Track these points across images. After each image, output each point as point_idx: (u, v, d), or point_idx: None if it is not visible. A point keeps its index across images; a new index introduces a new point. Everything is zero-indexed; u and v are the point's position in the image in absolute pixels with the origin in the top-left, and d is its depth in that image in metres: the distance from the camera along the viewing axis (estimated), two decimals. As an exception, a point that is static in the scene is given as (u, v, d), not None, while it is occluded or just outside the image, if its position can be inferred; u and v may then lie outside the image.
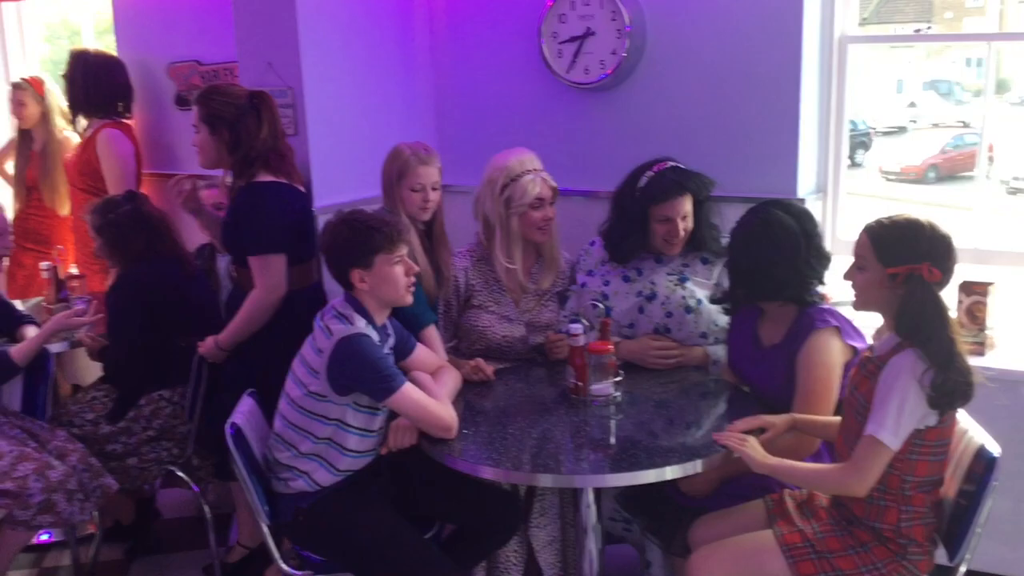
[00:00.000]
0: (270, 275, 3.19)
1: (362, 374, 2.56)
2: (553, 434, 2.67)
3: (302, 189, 3.35)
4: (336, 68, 3.65)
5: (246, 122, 3.16)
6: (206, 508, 3.50)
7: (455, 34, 4.01)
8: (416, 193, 3.13)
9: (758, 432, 2.47)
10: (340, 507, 2.67)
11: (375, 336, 2.64)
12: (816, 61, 3.46)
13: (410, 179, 3.12)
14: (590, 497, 2.64)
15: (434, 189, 3.17)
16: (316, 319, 2.69)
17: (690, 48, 3.53)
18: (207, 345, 3.27)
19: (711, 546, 2.46)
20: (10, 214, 4.45)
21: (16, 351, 3.27)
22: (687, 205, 3.05)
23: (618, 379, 2.81)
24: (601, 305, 3.00)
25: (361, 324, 2.62)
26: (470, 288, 3.27)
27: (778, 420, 2.50)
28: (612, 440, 2.63)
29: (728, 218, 3.16)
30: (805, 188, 3.49)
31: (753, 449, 2.37)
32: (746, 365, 2.87)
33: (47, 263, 4.12)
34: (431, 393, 2.63)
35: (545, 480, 2.47)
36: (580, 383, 2.78)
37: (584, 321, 2.87)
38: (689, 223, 3.07)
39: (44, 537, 3.77)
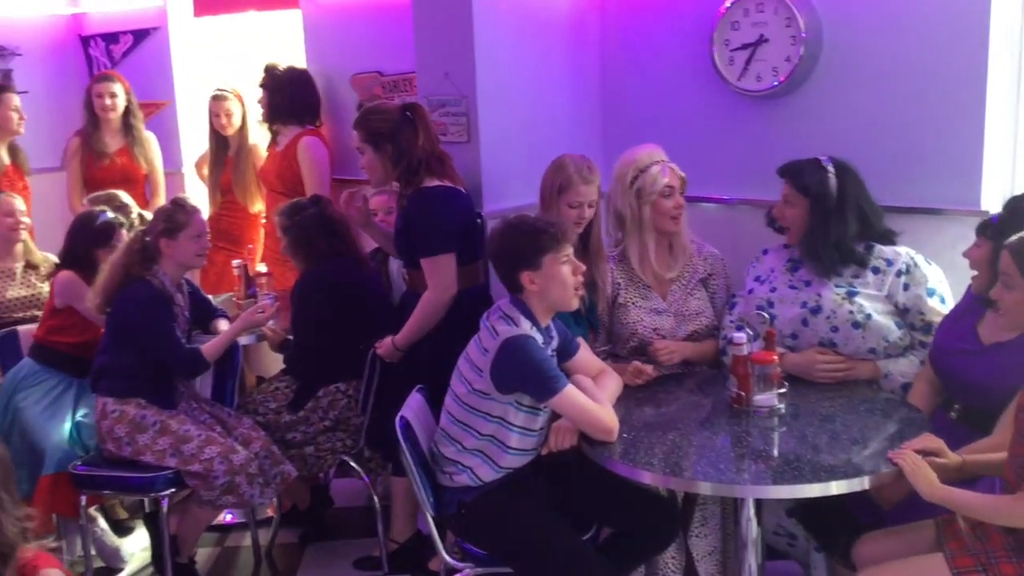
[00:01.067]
0: (442, 275, 3.31)
1: (525, 374, 2.63)
2: (714, 442, 2.65)
3: (464, 191, 3.47)
4: (508, 77, 3.75)
5: (405, 133, 3.32)
6: (375, 498, 3.66)
7: (625, 43, 4.04)
8: (573, 209, 3.21)
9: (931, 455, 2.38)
10: (501, 503, 2.75)
11: (539, 338, 2.71)
12: (1005, 63, 3.28)
13: (570, 195, 3.20)
14: (751, 509, 2.62)
15: (590, 206, 3.24)
16: (482, 319, 2.78)
17: (867, 53, 3.42)
18: (385, 345, 3.42)
19: (879, 568, 2.39)
20: (204, 215, 4.79)
21: (207, 348, 3.52)
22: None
23: (782, 391, 2.77)
24: (766, 315, 2.96)
25: (526, 326, 2.69)
26: (616, 287, 3.30)
27: (951, 457, 2.40)
28: (775, 452, 2.60)
29: (908, 229, 3.07)
30: (990, 199, 3.32)
31: (925, 475, 2.29)
32: (955, 359, 2.75)
33: (238, 261, 4.41)
34: (592, 396, 2.67)
35: (704, 488, 2.46)
36: (743, 393, 2.76)
37: (748, 329, 2.84)
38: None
39: (227, 517, 4.02)
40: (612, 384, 2.86)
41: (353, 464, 3.67)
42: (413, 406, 2.94)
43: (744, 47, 3.62)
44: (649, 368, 3.05)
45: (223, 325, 3.82)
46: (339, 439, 3.66)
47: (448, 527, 2.89)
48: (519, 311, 2.72)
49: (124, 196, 4.30)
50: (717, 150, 3.75)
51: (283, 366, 3.94)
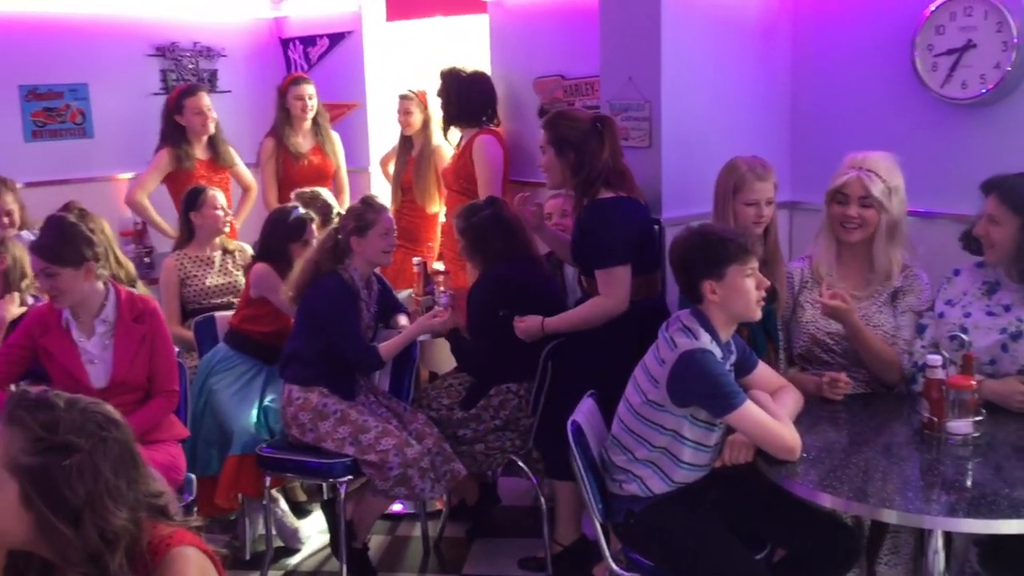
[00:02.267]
0: (615, 287, 3.30)
1: (702, 389, 2.58)
2: (902, 468, 2.52)
3: (642, 202, 3.43)
4: (694, 82, 3.69)
5: (591, 144, 3.32)
6: (542, 499, 3.68)
7: (818, 47, 3.89)
8: (750, 207, 3.13)
9: None
10: (671, 515, 2.70)
11: (718, 352, 2.65)
12: None
13: (746, 193, 3.14)
14: (939, 541, 2.46)
15: (768, 204, 3.16)
16: (661, 330, 2.74)
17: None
18: (530, 320, 3.44)
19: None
20: (389, 214, 4.95)
21: (383, 348, 3.62)
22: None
23: (979, 419, 2.60)
24: (965, 337, 2.78)
25: (705, 339, 2.63)
26: (801, 285, 3.17)
27: None
28: (968, 482, 2.44)
29: None
30: None
31: None
32: None
33: (418, 258, 4.53)
34: (772, 413, 2.59)
35: (890, 516, 2.34)
36: (935, 418, 2.60)
37: (943, 353, 2.68)
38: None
39: (398, 507, 4.14)
40: (792, 401, 2.76)
41: (521, 464, 3.70)
42: (585, 411, 2.93)
43: (949, 52, 3.42)
44: (844, 376, 2.93)
45: (403, 320, 3.93)
46: (508, 439, 3.70)
47: (615, 534, 2.87)
48: (699, 323, 2.67)
49: (326, 194, 4.50)
50: (915, 160, 3.54)
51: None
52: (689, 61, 3.66)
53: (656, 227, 3.57)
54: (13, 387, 3.20)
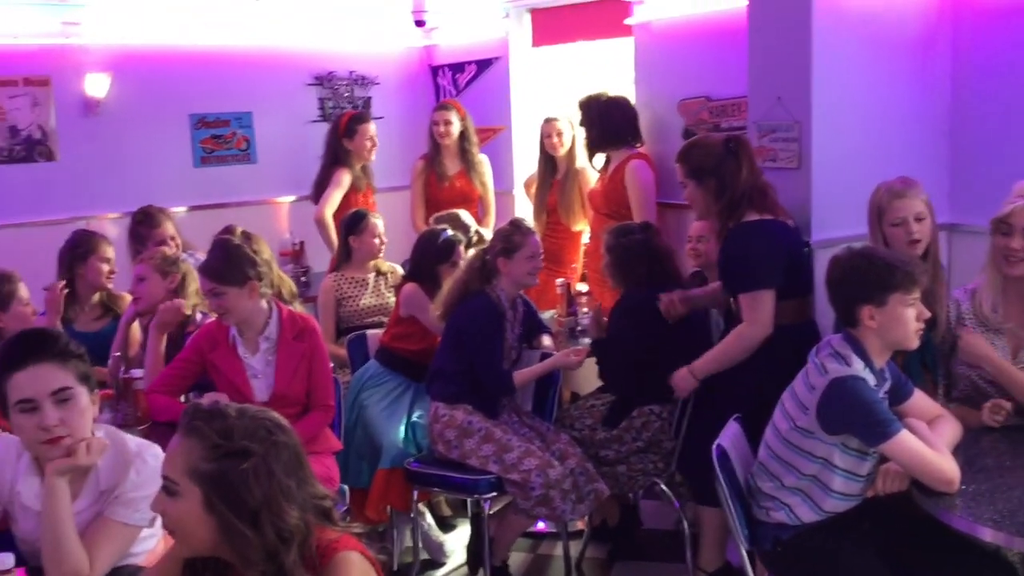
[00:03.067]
0: (758, 311, 3.26)
1: (854, 417, 2.51)
2: (1071, 505, 2.38)
3: (790, 223, 3.37)
4: (846, 100, 3.61)
5: (728, 167, 3.29)
6: (685, 524, 3.65)
7: (980, 61, 3.74)
8: (897, 228, 3.06)
9: None
10: (821, 545, 2.63)
11: (871, 379, 2.57)
12: None
13: (889, 214, 3.07)
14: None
15: (917, 220, 3.06)
16: (811, 354, 2.69)
17: None
18: (680, 375, 3.43)
19: None
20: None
21: (518, 375, 3.69)
22: None
23: None
24: None
25: (858, 366, 2.57)
26: (959, 321, 3.04)
27: None
28: None
29: None
30: None
31: None
32: None
33: (562, 280, 4.59)
34: (930, 443, 2.49)
35: (1058, 555, 2.22)
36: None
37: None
38: None
39: (540, 526, 4.17)
40: (950, 430, 2.65)
41: (663, 487, 3.68)
42: (730, 435, 2.90)
43: None
44: (1008, 403, 2.80)
45: (547, 341, 3.99)
46: (651, 461, 3.69)
47: (762, 561, 2.82)
48: (851, 348, 2.60)
49: (465, 216, 4.62)
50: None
51: (599, 383, 4.05)
52: (841, 79, 3.58)
53: (806, 249, 3.51)
54: (182, 398, 3.44)
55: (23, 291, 3.42)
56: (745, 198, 3.29)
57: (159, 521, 2.38)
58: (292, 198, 6.09)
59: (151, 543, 2.39)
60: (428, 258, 4.10)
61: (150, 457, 2.31)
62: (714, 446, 2.79)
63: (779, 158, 3.64)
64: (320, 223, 5.27)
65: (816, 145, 3.56)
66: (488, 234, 4.69)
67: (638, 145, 4.83)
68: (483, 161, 5.60)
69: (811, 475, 2.64)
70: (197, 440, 1.68)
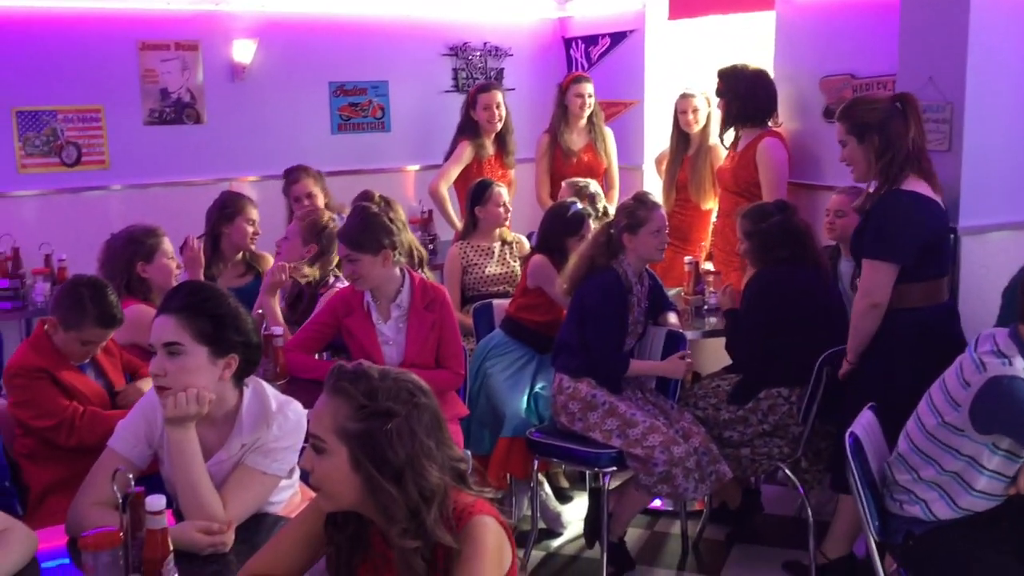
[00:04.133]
0: (872, 280, 3.18)
1: (1011, 419, 2.41)
2: None
3: (941, 203, 3.24)
4: (1003, 83, 3.46)
5: (894, 125, 3.17)
6: (809, 511, 3.58)
7: None
8: None
9: None
10: (956, 543, 2.55)
11: (1034, 381, 2.45)
12: None
13: None
14: None
15: None
16: (969, 348, 2.57)
17: None
18: (844, 367, 3.36)
19: None
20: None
21: (634, 364, 3.67)
22: None
23: None
24: None
25: (1020, 366, 2.45)
26: None
27: None
28: None
29: None
30: None
31: None
32: None
33: (689, 257, 4.53)
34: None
35: None
36: None
37: None
38: None
39: (658, 503, 4.16)
40: None
41: (788, 473, 3.62)
42: (864, 423, 2.82)
43: None
44: None
45: (672, 318, 3.95)
46: (776, 445, 3.62)
47: (891, 555, 2.75)
48: (1018, 349, 2.47)
49: (595, 187, 4.60)
50: None
51: (721, 365, 4.00)
52: (997, 59, 3.43)
53: (952, 236, 3.37)
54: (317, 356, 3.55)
55: (167, 245, 3.57)
56: (909, 160, 3.16)
57: (296, 473, 2.48)
58: (422, 166, 6.18)
59: (288, 494, 2.49)
60: (556, 231, 4.11)
61: (290, 412, 2.39)
62: (847, 434, 2.72)
63: (930, 140, 3.48)
64: (433, 195, 5.35)
65: (968, 127, 3.42)
66: (612, 209, 4.67)
67: (772, 123, 4.71)
68: (610, 135, 5.56)
69: (953, 472, 2.54)
70: (344, 400, 1.74)
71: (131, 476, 2.07)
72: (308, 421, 1.96)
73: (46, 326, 2.92)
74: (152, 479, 2.34)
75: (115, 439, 2.35)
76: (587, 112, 5.39)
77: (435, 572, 1.73)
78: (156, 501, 1.93)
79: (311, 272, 3.95)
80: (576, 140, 5.45)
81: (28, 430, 2.88)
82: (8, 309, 4.41)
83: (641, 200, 3.74)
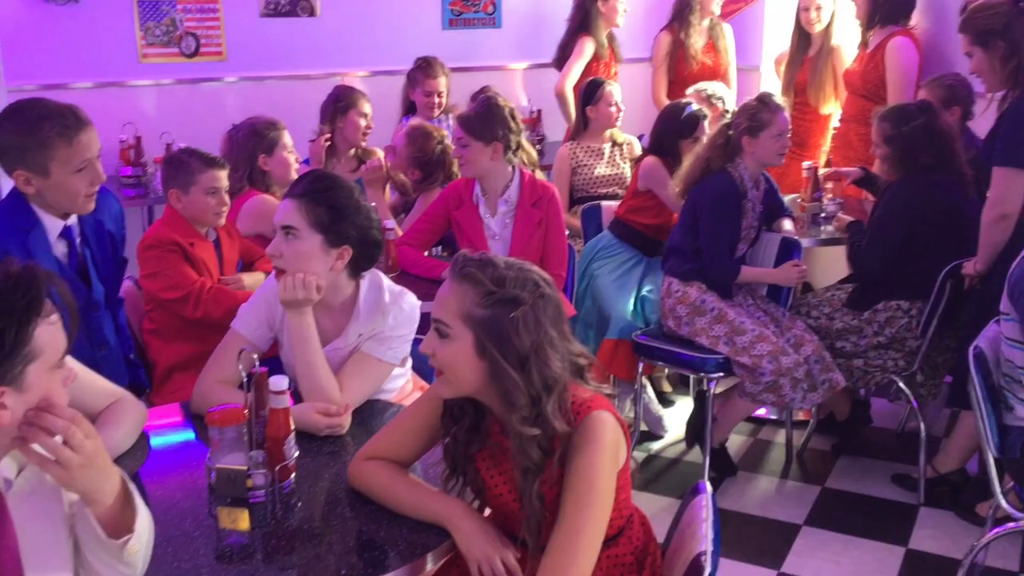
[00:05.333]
0: (1001, 189, 3.07)
1: None
2: None
3: None
4: None
5: (1018, 26, 3.06)
6: (921, 425, 3.51)
7: None
8: None
9: None
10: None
11: None
12: None
13: None
14: None
15: None
16: None
17: None
18: (967, 268, 3.26)
19: None
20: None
21: (745, 271, 3.59)
22: None
23: None
24: None
25: None
26: None
27: None
28: None
29: None
30: None
31: None
32: None
33: (808, 163, 4.37)
34: None
35: None
36: None
37: None
38: None
39: (761, 412, 4.13)
40: None
41: (903, 386, 3.53)
42: (989, 337, 2.72)
43: None
44: None
45: (787, 225, 3.86)
46: (891, 358, 3.53)
47: (1007, 470, 2.68)
48: None
49: (720, 88, 4.46)
50: None
51: (835, 279, 3.89)
52: None
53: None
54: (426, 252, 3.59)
55: (287, 138, 3.62)
56: None
57: (409, 363, 2.54)
58: (530, 64, 6.08)
59: (400, 382, 2.55)
60: (670, 132, 4.01)
61: (404, 303, 2.43)
62: (971, 347, 2.63)
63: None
64: (560, 96, 5.21)
65: None
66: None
67: (905, 22, 4.46)
68: (729, 33, 5.37)
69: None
70: (471, 286, 1.74)
71: (255, 356, 2.14)
72: (427, 310, 1.99)
73: (170, 202, 3.02)
74: (272, 362, 2.43)
75: (238, 321, 2.43)
76: (714, 7, 5.19)
77: (550, 462, 1.75)
78: (279, 381, 2.00)
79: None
80: (697, 40, 5.26)
81: (157, 303, 3.00)
82: (131, 196, 4.55)
83: (764, 101, 3.60)
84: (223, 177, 3.04)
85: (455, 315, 1.75)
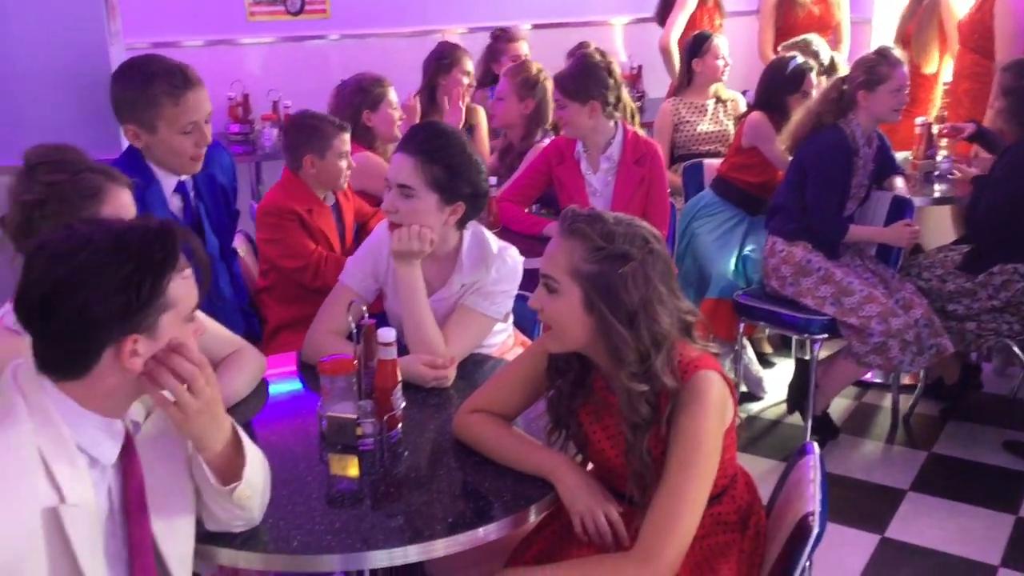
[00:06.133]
0: None
1: None
2: None
3: None
4: None
5: None
6: (1034, 389, 3.39)
7: None
8: None
9: None
10: None
11: None
12: None
13: None
14: None
15: None
16: None
17: None
18: None
19: None
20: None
21: (854, 229, 3.49)
22: None
23: None
24: None
25: None
26: None
27: None
28: None
29: None
30: None
31: None
32: None
33: (921, 118, 4.22)
34: None
35: None
36: None
37: None
38: None
39: (868, 375, 4.03)
40: None
41: (1018, 351, 3.41)
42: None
43: None
44: None
45: (899, 183, 3.75)
46: (1006, 322, 3.41)
47: None
48: None
49: (818, 42, 4.33)
50: None
51: (944, 241, 3.75)
52: None
53: None
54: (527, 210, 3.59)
55: (392, 95, 3.64)
56: None
57: (511, 318, 2.56)
58: (630, 19, 5.98)
59: (502, 337, 2.57)
60: (776, 87, 3.91)
61: (508, 257, 2.44)
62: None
63: None
64: (664, 50, 5.10)
65: None
66: (842, 63, 4.38)
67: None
68: (842, -16, 5.18)
69: None
70: (580, 241, 1.74)
71: (364, 308, 2.18)
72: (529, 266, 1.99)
73: (303, 168, 3.01)
74: (378, 316, 2.47)
75: (346, 274, 2.48)
76: None
77: (658, 418, 1.75)
78: (387, 333, 2.03)
79: None
80: None
81: (273, 267, 3.07)
82: (239, 153, 4.66)
83: (883, 55, 3.47)
84: (349, 140, 3.08)
85: (563, 270, 1.75)
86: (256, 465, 1.62)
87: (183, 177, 2.67)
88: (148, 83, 2.51)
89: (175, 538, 1.56)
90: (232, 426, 1.58)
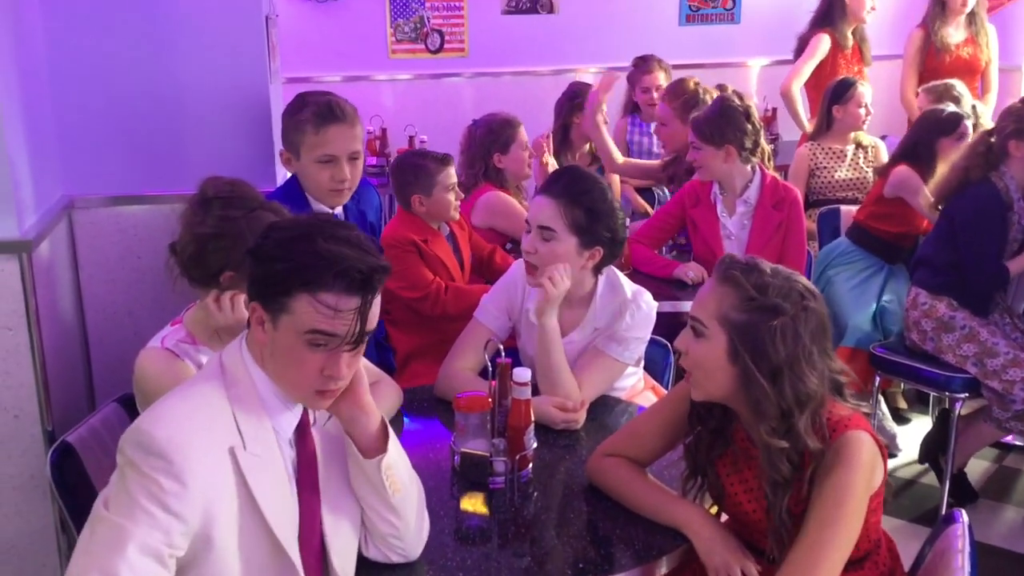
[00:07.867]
0: None
1: None
2: None
3: None
4: None
5: None
6: None
7: None
8: None
9: None
10: None
11: None
12: None
13: None
14: None
15: None
16: None
17: None
18: None
19: None
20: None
21: (1012, 264, 3.31)
22: None
23: None
24: None
25: None
26: None
27: None
28: None
29: None
30: None
31: None
32: None
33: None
34: None
35: None
36: None
37: None
38: None
39: (1009, 438, 3.84)
40: None
41: None
42: None
43: None
44: None
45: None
46: None
47: None
48: None
49: (960, 87, 4.17)
50: None
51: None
52: None
53: None
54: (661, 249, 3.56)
55: (523, 135, 3.68)
56: None
57: (642, 362, 2.54)
58: (768, 61, 5.91)
59: (632, 380, 2.55)
60: (929, 133, 3.74)
61: (643, 303, 2.43)
62: None
63: None
64: (785, 96, 5.01)
65: None
66: (987, 112, 4.21)
67: None
68: (992, 30, 4.99)
69: None
70: (732, 288, 1.72)
71: (501, 346, 2.20)
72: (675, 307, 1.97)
73: (412, 207, 3.11)
74: (511, 353, 2.48)
75: (481, 311, 2.51)
76: (970, 4, 4.85)
77: (799, 477, 1.70)
78: (523, 373, 2.04)
79: None
80: (953, 34, 4.92)
81: (394, 298, 3.14)
82: (375, 185, 4.78)
83: None
84: (454, 172, 3.14)
85: (712, 315, 1.73)
86: (400, 456, 1.68)
87: (336, 210, 2.75)
88: (300, 110, 2.61)
89: (338, 533, 1.63)
90: (382, 419, 1.65)
